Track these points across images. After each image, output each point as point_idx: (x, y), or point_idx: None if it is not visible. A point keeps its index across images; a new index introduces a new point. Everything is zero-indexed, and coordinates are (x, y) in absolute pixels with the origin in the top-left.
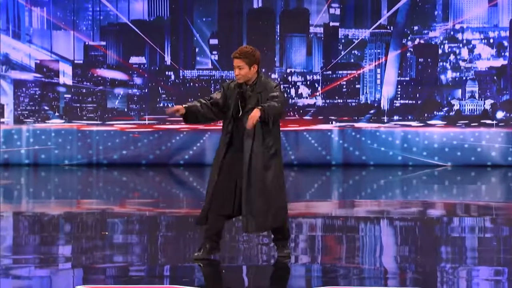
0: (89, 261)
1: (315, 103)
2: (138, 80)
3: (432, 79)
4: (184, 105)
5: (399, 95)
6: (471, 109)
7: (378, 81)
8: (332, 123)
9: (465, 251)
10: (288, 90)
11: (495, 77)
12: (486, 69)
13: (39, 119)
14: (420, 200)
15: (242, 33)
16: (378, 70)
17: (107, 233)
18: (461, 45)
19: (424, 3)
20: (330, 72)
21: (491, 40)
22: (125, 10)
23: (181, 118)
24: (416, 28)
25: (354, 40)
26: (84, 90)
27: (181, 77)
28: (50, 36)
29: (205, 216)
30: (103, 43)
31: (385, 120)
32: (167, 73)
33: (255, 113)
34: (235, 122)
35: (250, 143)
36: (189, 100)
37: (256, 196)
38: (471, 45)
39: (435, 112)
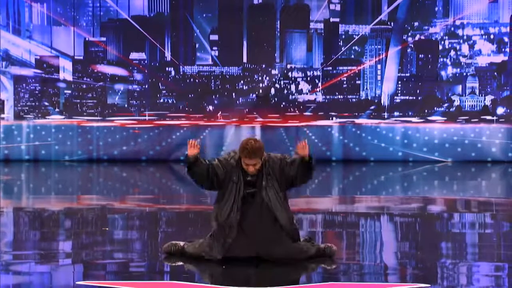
0: (90, 257)
1: (315, 99)
2: (138, 76)
3: (432, 75)
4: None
5: (399, 91)
6: (472, 105)
7: (379, 77)
8: (332, 119)
9: (465, 247)
10: (289, 86)
11: (495, 73)
12: (487, 65)
13: (39, 115)
14: (421, 196)
15: (242, 29)
16: (379, 66)
17: (107, 229)
18: (461, 41)
19: None
20: (330, 68)
21: (492, 36)
22: (125, 6)
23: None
24: (416, 24)
25: (354, 36)
26: (84, 86)
27: (181, 73)
28: (50, 32)
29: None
30: (103, 39)
31: (386, 116)
32: (167, 69)
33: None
34: (245, 200)
35: (280, 210)
36: (189, 95)
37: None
38: (472, 41)
39: (435, 108)
